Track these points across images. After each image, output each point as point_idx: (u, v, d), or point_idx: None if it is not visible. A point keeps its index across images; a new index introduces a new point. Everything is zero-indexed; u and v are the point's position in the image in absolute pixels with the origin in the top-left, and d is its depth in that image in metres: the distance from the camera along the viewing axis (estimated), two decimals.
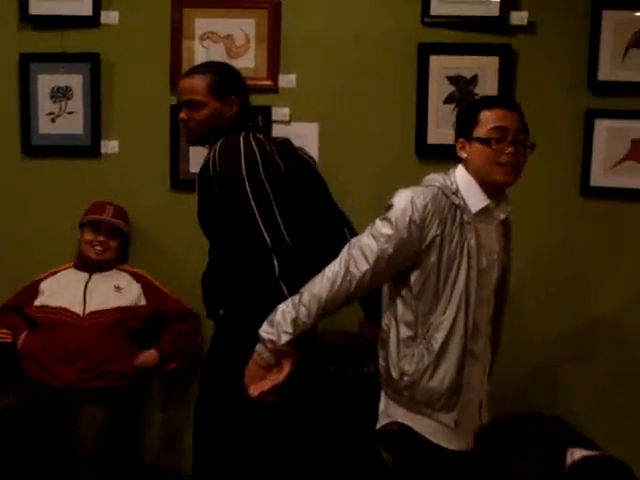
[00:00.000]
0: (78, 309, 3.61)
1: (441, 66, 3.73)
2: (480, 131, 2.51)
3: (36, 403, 3.43)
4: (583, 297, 3.77)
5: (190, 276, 3.81)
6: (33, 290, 3.74)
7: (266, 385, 2.52)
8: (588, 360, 3.80)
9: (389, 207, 2.49)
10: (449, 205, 2.48)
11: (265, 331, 2.51)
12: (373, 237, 2.47)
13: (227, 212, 2.75)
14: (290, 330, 2.48)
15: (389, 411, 2.59)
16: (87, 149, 3.94)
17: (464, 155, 2.56)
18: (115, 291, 3.68)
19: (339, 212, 3.20)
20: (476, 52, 3.72)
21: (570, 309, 3.77)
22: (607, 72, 3.66)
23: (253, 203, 2.66)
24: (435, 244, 2.45)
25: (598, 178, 3.70)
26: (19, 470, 3.42)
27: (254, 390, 2.53)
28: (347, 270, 2.46)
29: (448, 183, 2.53)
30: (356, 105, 3.82)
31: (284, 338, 2.48)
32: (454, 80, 3.74)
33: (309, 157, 3.16)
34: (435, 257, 2.46)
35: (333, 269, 2.48)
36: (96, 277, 3.73)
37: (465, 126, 2.56)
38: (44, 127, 3.95)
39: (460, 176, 2.55)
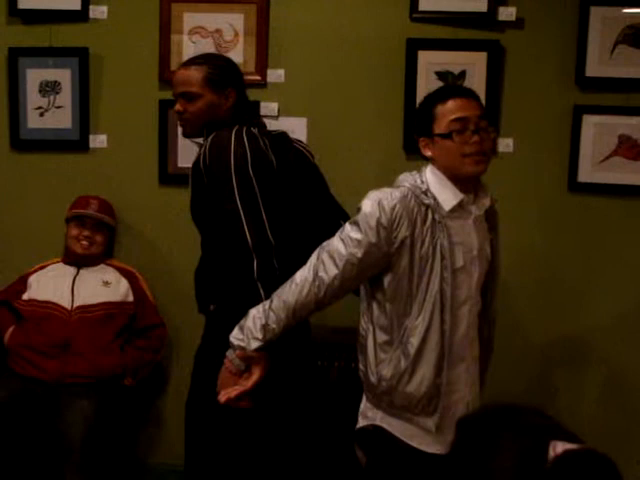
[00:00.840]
0: (66, 303, 3.60)
1: (429, 62, 3.73)
2: (439, 126, 2.45)
3: (24, 397, 3.43)
4: (571, 292, 3.78)
5: (177, 270, 3.85)
6: (21, 284, 3.73)
7: (234, 392, 2.50)
8: (581, 358, 3.81)
9: (358, 210, 2.45)
10: (419, 205, 2.43)
11: (235, 337, 2.50)
12: (342, 241, 2.43)
13: (215, 206, 2.75)
14: (260, 336, 2.46)
15: (368, 413, 2.57)
16: (76, 143, 3.94)
17: (429, 154, 2.50)
18: (103, 286, 3.68)
19: (337, 206, 3.18)
20: (464, 48, 3.72)
21: (558, 304, 3.78)
22: (595, 68, 3.67)
23: (238, 200, 2.64)
24: (405, 246, 2.40)
25: (586, 174, 3.71)
26: (7, 464, 3.41)
27: (222, 396, 2.51)
28: (316, 275, 2.42)
29: (418, 182, 2.47)
30: (344, 100, 3.83)
31: (253, 344, 2.46)
32: (442, 76, 3.74)
33: (307, 150, 3.12)
34: (406, 259, 2.42)
35: (302, 275, 2.45)
36: (84, 272, 3.72)
37: (423, 124, 2.50)
38: (33, 121, 3.95)
39: (430, 174, 2.49)
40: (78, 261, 3.75)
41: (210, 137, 2.78)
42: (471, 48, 3.71)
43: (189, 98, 2.89)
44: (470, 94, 2.51)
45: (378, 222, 2.39)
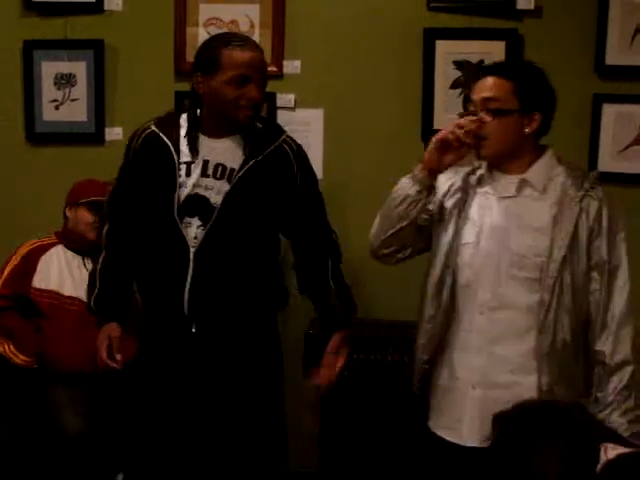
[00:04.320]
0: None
1: (447, 51, 3.71)
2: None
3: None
4: None
5: None
6: (29, 273, 3.57)
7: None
8: None
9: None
10: None
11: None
12: None
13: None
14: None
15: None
16: (91, 136, 3.94)
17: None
18: None
19: None
20: (482, 37, 3.69)
21: None
22: (615, 56, 3.63)
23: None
24: None
25: (606, 163, 3.67)
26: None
27: None
28: None
29: None
30: (361, 91, 3.80)
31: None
32: (460, 65, 3.72)
33: None
34: None
35: None
36: (88, 261, 3.56)
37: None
38: (48, 114, 3.95)
39: None
40: (87, 248, 3.56)
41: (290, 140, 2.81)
42: (489, 37, 3.68)
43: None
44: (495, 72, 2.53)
45: None
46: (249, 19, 3.79)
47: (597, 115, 3.66)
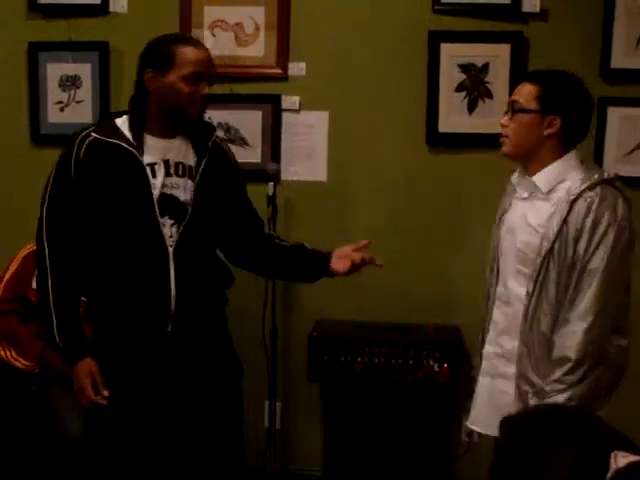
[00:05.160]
0: None
1: (452, 54, 3.70)
2: None
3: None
4: None
5: None
6: (29, 275, 3.48)
7: None
8: None
9: None
10: None
11: None
12: None
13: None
14: None
15: None
16: None
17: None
18: None
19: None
20: (487, 40, 3.69)
21: None
22: (620, 60, 3.62)
23: None
24: None
25: (611, 166, 3.63)
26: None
27: None
28: None
29: None
30: (366, 93, 3.80)
31: None
32: (465, 68, 3.71)
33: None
34: None
35: None
36: None
37: None
38: (53, 116, 3.95)
39: None
40: None
41: None
42: (494, 40, 3.68)
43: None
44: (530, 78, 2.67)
45: None
46: (254, 21, 3.79)
47: (602, 118, 3.64)
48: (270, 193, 3.59)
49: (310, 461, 3.88)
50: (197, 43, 2.78)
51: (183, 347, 2.79)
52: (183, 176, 2.76)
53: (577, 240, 2.48)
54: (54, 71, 3.92)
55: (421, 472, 3.61)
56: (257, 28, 3.80)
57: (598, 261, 2.46)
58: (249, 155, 3.79)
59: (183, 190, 2.75)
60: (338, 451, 3.68)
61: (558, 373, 2.47)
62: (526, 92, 2.59)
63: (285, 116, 3.82)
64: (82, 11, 3.87)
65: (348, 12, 3.78)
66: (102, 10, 3.87)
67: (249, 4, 3.79)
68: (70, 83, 3.92)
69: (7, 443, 3.47)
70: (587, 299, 2.46)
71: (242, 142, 3.81)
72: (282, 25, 3.78)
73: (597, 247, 2.47)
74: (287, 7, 3.78)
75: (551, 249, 2.50)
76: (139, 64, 2.78)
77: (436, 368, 3.50)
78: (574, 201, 2.49)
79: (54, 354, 3.40)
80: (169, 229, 2.72)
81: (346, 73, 3.80)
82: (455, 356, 3.52)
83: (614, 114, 3.64)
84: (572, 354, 2.45)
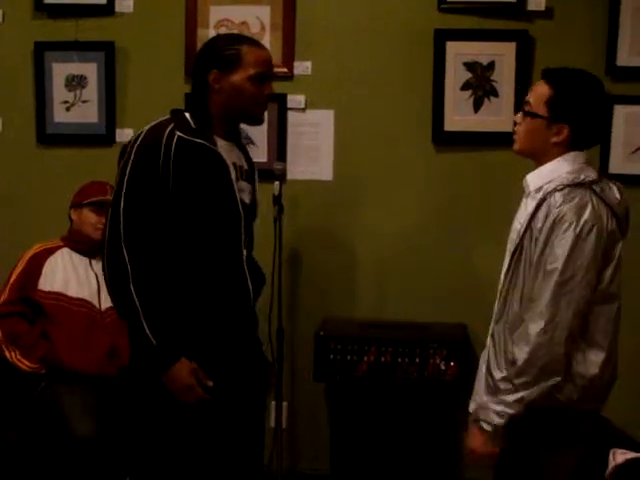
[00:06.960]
0: (96, 302, 3.53)
1: (457, 52, 3.70)
2: None
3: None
4: None
5: None
6: (34, 276, 3.53)
7: None
8: None
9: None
10: None
11: None
12: None
13: None
14: None
15: None
16: (102, 137, 3.95)
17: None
18: None
19: None
20: (493, 38, 3.69)
21: None
22: (626, 58, 3.62)
23: None
24: None
25: (617, 165, 3.66)
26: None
27: None
28: None
29: None
30: (372, 92, 3.80)
31: None
32: (471, 66, 3.71)
33: None
34: None
35: None
36: (94, 262, 3.54)
37: None
38: (59, 116, 3.96)
39: None
40: (93, 249, 3.50)
41: None
42: (500, 38, 3.68)
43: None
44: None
45: None
46: (260, 21, 3.80)
47: (609, 116, 3.64)
48: (276, 192, 3.59)
49: (318, 460, 3.88)
50: (259, 44, 2.71)
51: (257, 347, 2.89)
52: (245, 179, 2.75)
53: (537, 239, 2.43)
54: (60, 71, 3.93)
55: (428, 471, 3.61)
56: (263, 27, 3.80)
57: (555, 262, 2.38)
58: (255, 154, 3.73)
59: (247, 194, 2.74)
60: (345, 450, 3.68)
61: (508, 372, 2.41)
62: (538, 94, 2.49)
63: (291, 115, 3.82)
64: (88, 11, 3.88)
65: (354, 11, 3.78)
66: (108, 10, 3.88)
67: (255, 3, 3.80)
68: (76, 83, 3.94)
69: (14, 444, 3.48)
70: (542, 301, 2.39)
71: (248, 141, 3.81)
72: (288, 24, 3.79)
73: (555, 247, 2.39)
74: (293, 6, 3.78)
75: (519, 247, 2.47)
76: (199, 64, 2.68)
77: (443, 367, 3.50)
78: (542, 200, 2.45)
79: (57, 353, 3.43)
80: (243, 233, 2.73)
81: (352, 72, 3.80)
82: (462, 354, 3.52)
83: (620, 112, 3.64)
84: (519, 355, 2.38)
